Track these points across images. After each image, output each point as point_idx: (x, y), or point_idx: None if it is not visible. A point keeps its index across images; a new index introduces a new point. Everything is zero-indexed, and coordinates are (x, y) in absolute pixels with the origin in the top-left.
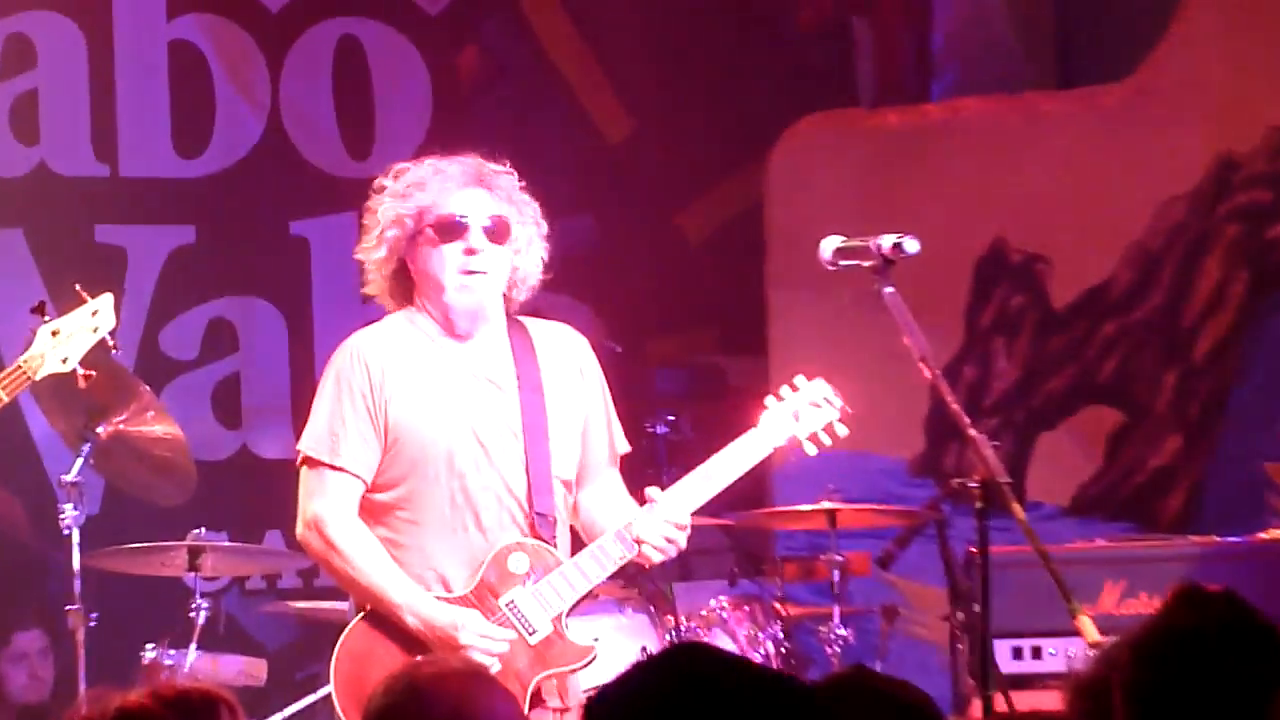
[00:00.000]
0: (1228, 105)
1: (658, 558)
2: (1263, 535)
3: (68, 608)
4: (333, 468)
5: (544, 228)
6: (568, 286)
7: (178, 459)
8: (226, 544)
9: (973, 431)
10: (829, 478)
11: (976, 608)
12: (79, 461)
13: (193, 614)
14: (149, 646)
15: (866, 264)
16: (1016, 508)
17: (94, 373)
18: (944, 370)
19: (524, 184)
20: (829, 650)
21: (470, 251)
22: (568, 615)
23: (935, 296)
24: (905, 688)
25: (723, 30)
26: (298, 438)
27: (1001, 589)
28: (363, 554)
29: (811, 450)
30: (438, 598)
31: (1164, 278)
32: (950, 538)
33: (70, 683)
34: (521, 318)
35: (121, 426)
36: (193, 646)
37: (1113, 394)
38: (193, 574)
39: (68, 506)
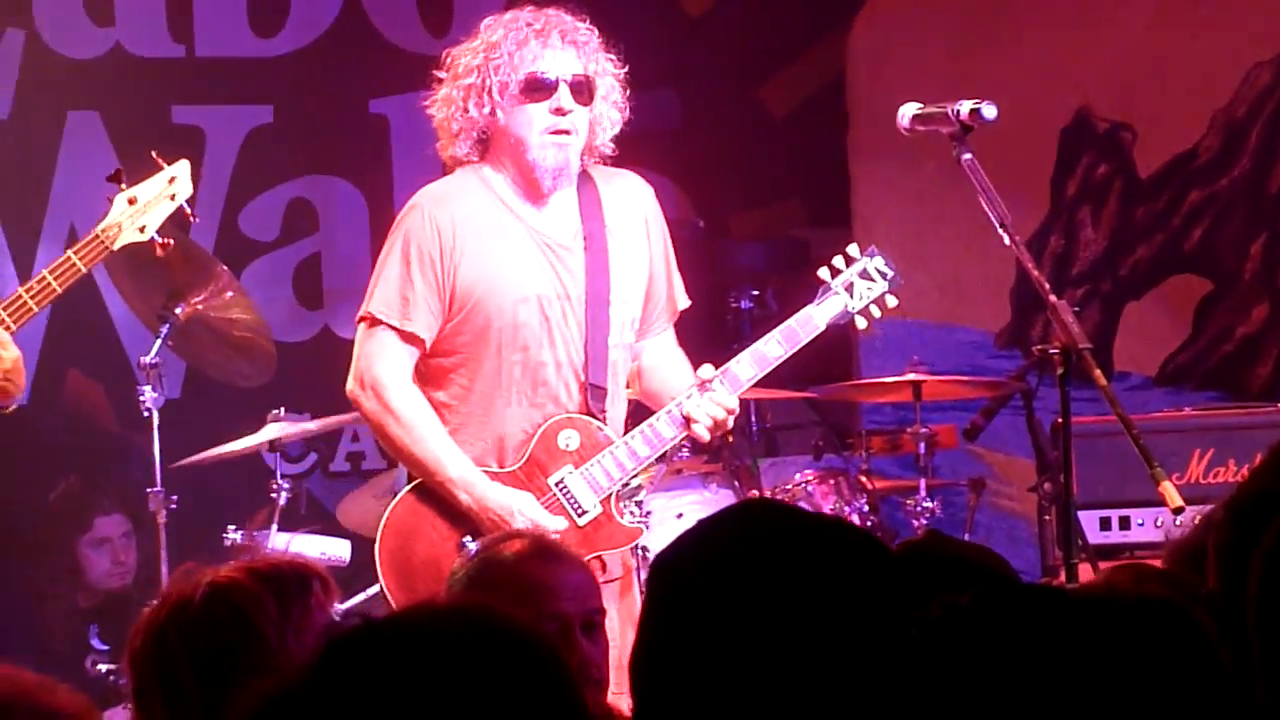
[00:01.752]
0: None
1: (706, 437)
2: None
3: (149, 490)
4: (399, 332)
5: (623, 84)
6: (650, 161)
7: (257, 340)
8: (308, 423)
9: (1053, 298)
10: (914, 349)
11: (1064, 479)
12: (157, 343)
13: (274, 495)
14: (231, 529)
15: (945, 130)
16: (1098, 374)
17: (171, 241)
18: (1029, 240)
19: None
20: (916, 524)
21: (559, 111)
22: (616, 496)
23: (1020, 167)
24: (980, 551)
25: None
26: None
27: (1089, 459)
28: (422, 424)
29: (862, 324)
30: (488, 475)
31: (1250, 144)
32: (1036, 409)
33: (152, 567)
34: (590, 168)
35: (200, 307)
36: (274, 528)
37: (1199, 263)
38: (274, 454)
39: (147, 389)
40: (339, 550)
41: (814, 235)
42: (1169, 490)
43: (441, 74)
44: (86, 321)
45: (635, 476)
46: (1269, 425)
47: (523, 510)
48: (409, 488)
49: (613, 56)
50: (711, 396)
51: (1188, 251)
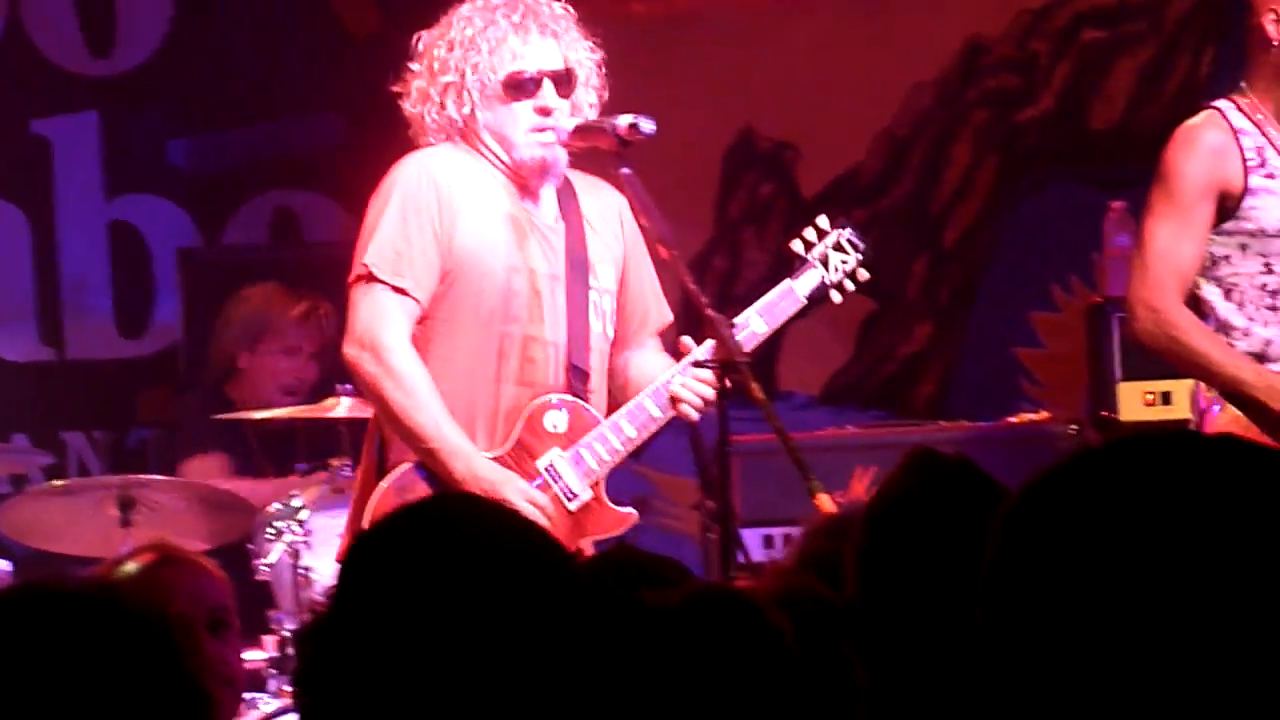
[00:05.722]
0: None
1: (695, 417)
2: (1013, 419)
3: None
4: (394, 288)
5: (599, 64)
6: (313, 182)
7: None
8: None
9: (710, 312)
10: None
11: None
12: None
13: None
14: None
15: (604, 145)
16: (755, 388)
17: None
18: (695, 260)
19: (276, 78)
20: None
21: (543, 111)
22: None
23: (686, 187)
24: (669, 562)
25: None
26: (43, 341)
27: (752, 477)
28: (423, 390)
29: (837, 298)
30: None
31: (913, 165)
32: (700, 426)
33: None
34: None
35: None
36: None
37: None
38: None
39: None
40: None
41: None
42: (825, 503)
43: (414, 65)
44: None
45: (622, 459)
46: (931, 442)
47: (513, 487)
48: (386, 481)
49: (590, 40)
50: (697, 374)
51: None
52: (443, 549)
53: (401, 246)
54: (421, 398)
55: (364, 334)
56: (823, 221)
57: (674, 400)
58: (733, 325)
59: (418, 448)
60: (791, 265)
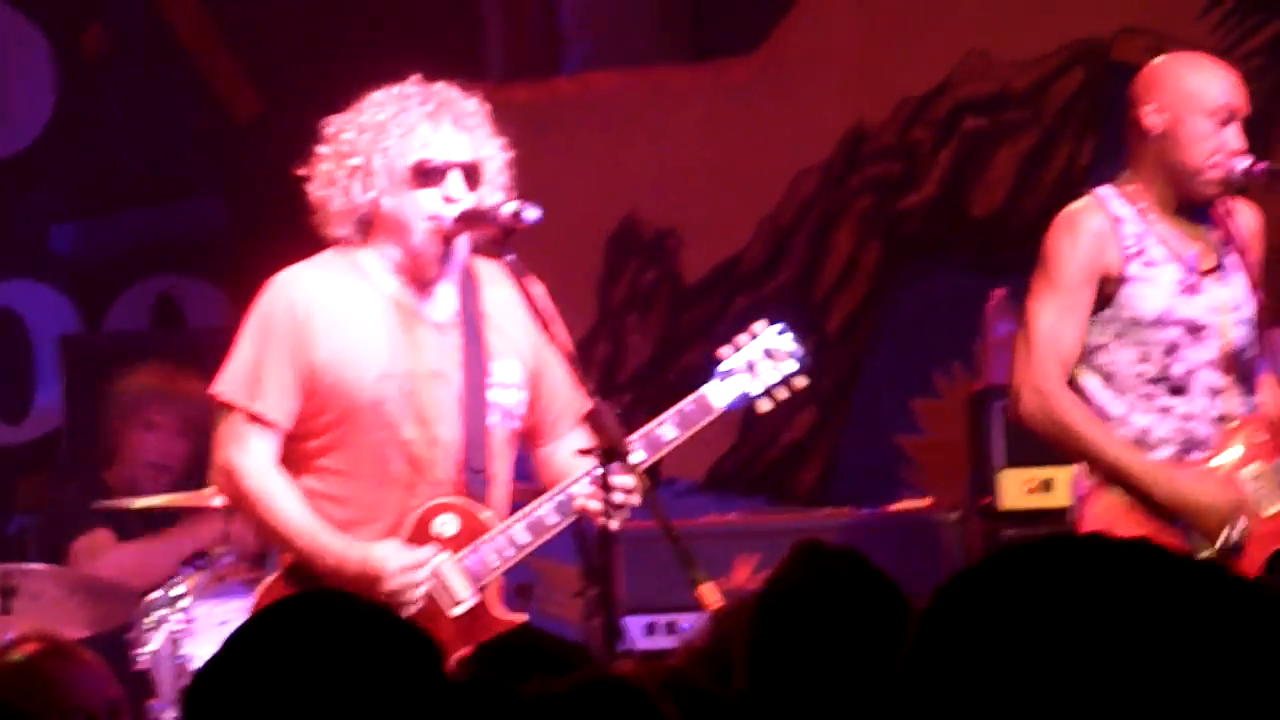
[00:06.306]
0: (858, 76)
1: (615, 525)
2: (894, 506)
3: None
4: (249, 414)
5: (508, 164)
6: (196, 267)
7: None
8: None
9: (594, 400)
10: None
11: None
12: None
13: None
14: None
15: (488, 232)
16: (640, 476)
17: None
18: (577, 347)
19: (159, 162)
20: None
21: (448, 200)
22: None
23: (569, 274)
24: (570, 645)
25: (357, 8)
26: None
27: (636, 564)
28: (279, 503)
29: (765, 407)
30: None
31: (796, 251)
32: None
33: None
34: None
35: None
36: None
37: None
38: None
39: None
40: None
41: None
42: (709, 592)
43: (323, 148)
44: None
45: (514, 564)
46: (815, 529)
47: (387, 559)
48: (276, 574)
49: (500, 138)
50: (615, 481)
51: None
52: (305, 645)
53: (255, 370)
54: (280, 513)
55: (223, 460)
56: (758, 326)
57: (588, 511)
58: (617, 413)
59: (286, 548)
60: (714, 371)
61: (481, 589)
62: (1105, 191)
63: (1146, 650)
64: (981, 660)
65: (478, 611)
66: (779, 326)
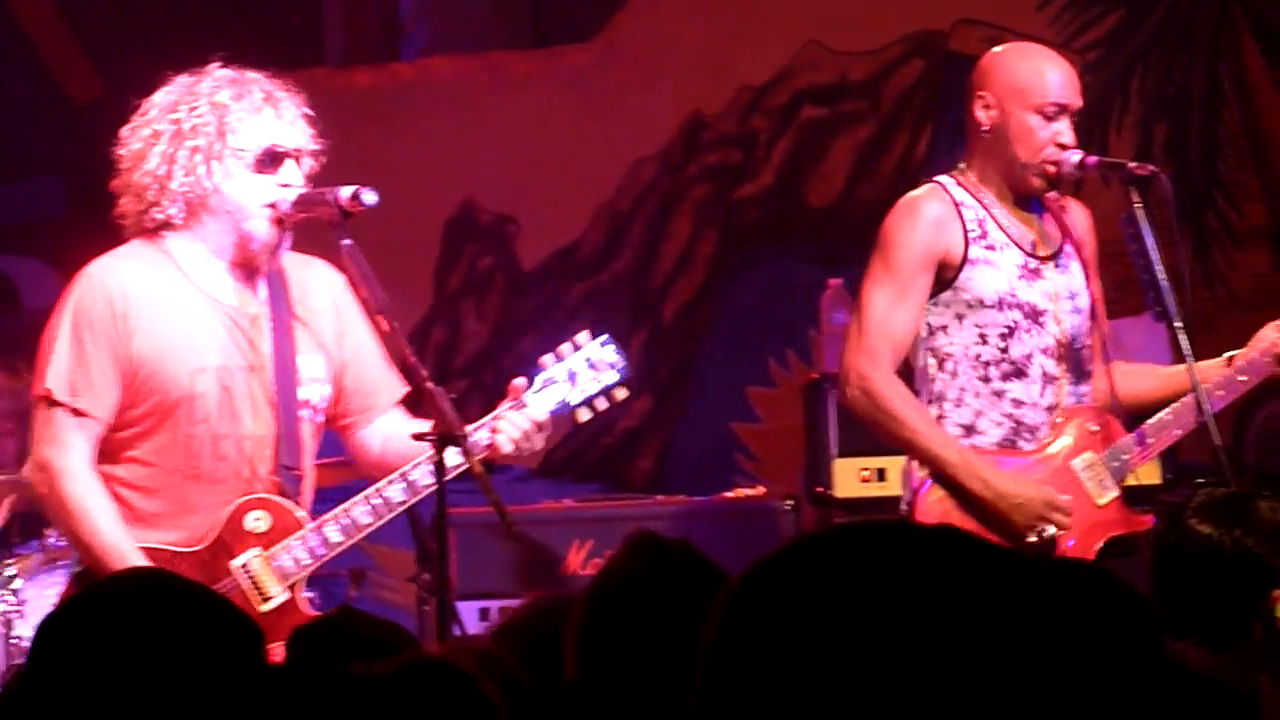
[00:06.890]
0: (698, 64)
1: (509, 448)
2: (729, 494)
3: None
4: (72, 410)
5: (321, 146)
6: (35, 249)
7: None
8: None
9: (429, 384)
10: None
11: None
12: None
13: None
14: None
15: (325, 216)
16: (475, 461)
17: None
18: (413, 332)
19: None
20: None
21: (285, 186)
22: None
23: (405, 259)
24: (391, 627)
25: None
26: None
27: (470, 550)
28: (91, 510)
29: (584, 416)
30: (172, 556)
31: (633, 238)
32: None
33: None
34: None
35: None
36: None
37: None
38: None
39: None
40: None
41: None
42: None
43: (158, 126)
44: None
45: (325, 563)
46: (649, 516)
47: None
48: (72, 581)
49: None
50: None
51: None
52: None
53: (76, 366)
54: (92, 527)
55: (41, 458)
56: (581, 337)
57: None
58: (452, 397)
59: (87, 559)
60: (535, 379)
61: (291, 587)
62: (945, 179)
63: (940, 634)
64: (778, 649)
65: (287, 608)
66: (602, 338)
